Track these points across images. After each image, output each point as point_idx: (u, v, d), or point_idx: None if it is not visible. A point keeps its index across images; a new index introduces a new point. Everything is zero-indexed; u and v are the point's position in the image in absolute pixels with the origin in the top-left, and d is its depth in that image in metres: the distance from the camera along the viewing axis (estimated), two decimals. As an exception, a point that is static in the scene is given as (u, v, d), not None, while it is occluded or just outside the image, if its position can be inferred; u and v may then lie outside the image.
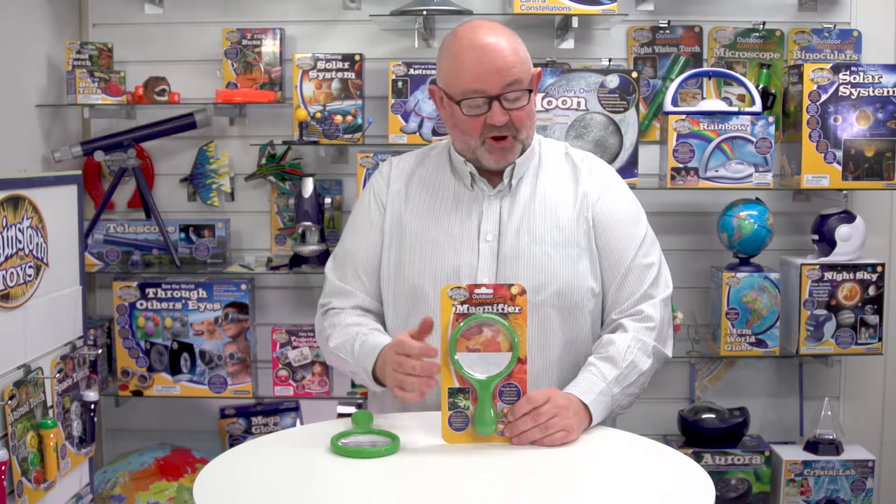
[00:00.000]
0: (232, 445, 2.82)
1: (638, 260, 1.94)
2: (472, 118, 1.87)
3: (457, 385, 1.68)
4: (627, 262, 1.93)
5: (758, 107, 2.79)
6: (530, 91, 1.88)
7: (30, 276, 2.01)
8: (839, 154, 2.76)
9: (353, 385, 2.95)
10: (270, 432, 2.37)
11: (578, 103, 2.78)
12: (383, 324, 1.99)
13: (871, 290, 2.82)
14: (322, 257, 2.87)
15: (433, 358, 1.68)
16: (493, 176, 1.96)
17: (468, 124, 1.88)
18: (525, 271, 1.88)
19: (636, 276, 1.93)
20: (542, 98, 2.77)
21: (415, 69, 2.85)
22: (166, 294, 2.88)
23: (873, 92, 2.75)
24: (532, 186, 1.96)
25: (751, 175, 2.77)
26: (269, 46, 2.96)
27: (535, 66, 2.78)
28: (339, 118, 2.87)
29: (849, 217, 2.84)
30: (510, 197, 1.95)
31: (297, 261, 2.92)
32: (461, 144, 1.94)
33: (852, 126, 2.76)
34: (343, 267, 2.01)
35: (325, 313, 2.01)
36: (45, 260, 2.07)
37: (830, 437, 2.88)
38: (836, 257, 2.83)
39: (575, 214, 1.94)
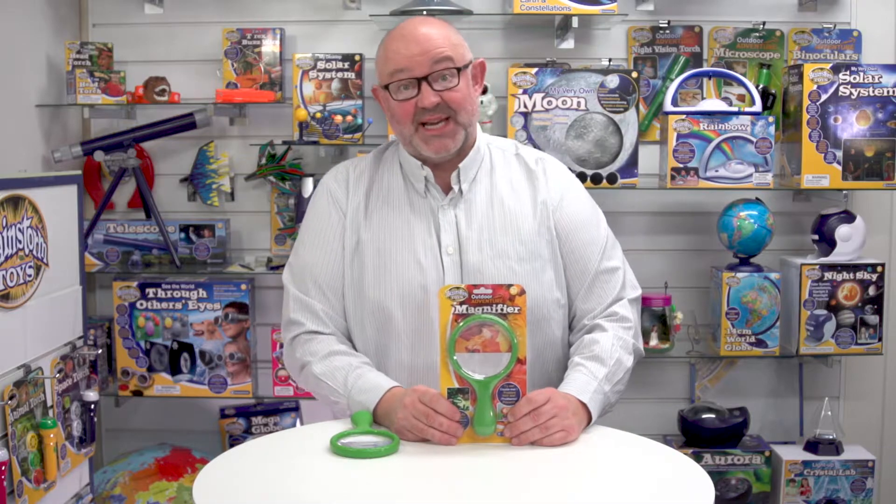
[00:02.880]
0: (232, 445, 2.82)
1: (603, 264, 1.94)
2: (403, 103, 1.84)
3: (456, 385, 1.68)
4: (593, 270, 1.93)
5: (758, 107, 2.79)
6: (459, 70, 1.84)
7: (30, 276, 2.01)
8: (839, 154, 2.76)
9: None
10: (270, 432, 2.37)
11: (578, 103, 2.78)
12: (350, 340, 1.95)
13: (871, 290, 2.82)
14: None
15: (458, 421, 1.67)
16: (444, 180, 1.92)
17: (400, 111, 1.86)
18: None
19: (603, 282, 1.93)
20: (542, 98, 2.77)
21: (415, 69, 2.85)
22: (166, 294, 2.88)
23: (873, 92, 2.75)
24: (488, 193, 1.93)
25: (751, 175, 2.77)
26: (269, 46, 2.96)
27: (535, 66, 2.78)
28: (339, 118, 2.87)
29: (849, 217, 2.84)
30: (465, 204, 1.92)
31: (297, 261, 2.92)
32: (400, 138, 1.91)
33: (852, 126, 2.76)
34: (302, 280, 1.95)
35: (296, 338, 1.93)
36: (45, 260, 2.07)
37: (830, 437, 2.88)
38: (836, 257, 2.83)
39: (536, 225, 1.92)
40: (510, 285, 1.68)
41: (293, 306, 1.94)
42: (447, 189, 1.93)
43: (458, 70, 1.85)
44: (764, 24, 2.97)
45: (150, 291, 2.88)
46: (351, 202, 1.96)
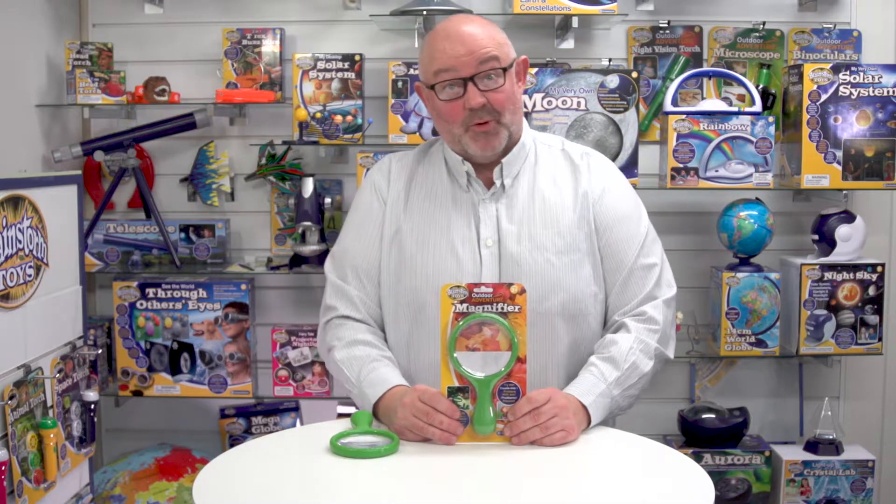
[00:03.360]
0: (232, 445, 2.82)
1: (640, 261, 1.92)
2: (450, 103, 1.85)
3: (456, 384, 1.68)
4: (629, 264, 1.91)
5: (758, 107, 2.79)
6: (505, 70, 1.85)
7: (30, 276, 2.01)
8: (839, 154, 2.76)
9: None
10: (270, 432, 2.37)
11: (578, 103, 2.78)
12: (383, 330, 1.97)
13: (871, 290, 2.82)
14: (322, 257, 2.87)
15: (458, 419, 1.68)
16: (487, 176, 1.94)
17: (446, 111, 1.86)
18: (528, 280, 1.84)
19: (638, 277, 1.91)
20: (542, 98, 2.77)
21: (415, 69, 2.85)
22: (166, 294, 2.88)
23: (873, 92, 2.75)
24: (529, 187, 1.94)
25: (751, 175, 2.77)
26: (269, 46, 2.96)
27: (535, 66, 2.78)
28: (339, 118, 2.87)
29: (849, 217, 2.84)
30: (506, 199, 1.92)
31: (297, 261, 2.92)
32: (448, 136, 1.92)
33: (852, 126, 2.76)
34: (342, 267, 1.98)
35: (329, 322, 1.97)
36: (45, 260, 2.07)
37: (830, 437, 2.88)
38: (836, 257, 2.83)
39: (576, 218, 1.91)
40: (510, 284, 1.68)
41: (330, 291, 1.98)
42: (490, 184, 1.93)
43: (504, 70, 1.85)
44: (764, 24, 2.98)
45: (150, 291, 2.88)
46: (392, 191, 1.98)
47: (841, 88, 2.74)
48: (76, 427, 2.20)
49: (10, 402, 1.90)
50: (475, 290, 1.67)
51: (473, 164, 1.93)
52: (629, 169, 2.77)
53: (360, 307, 1.95)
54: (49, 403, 2.07)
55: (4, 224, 1.91)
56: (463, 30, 1.84)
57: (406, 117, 2.86)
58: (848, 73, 2.74)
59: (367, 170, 2.81)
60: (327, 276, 2.01)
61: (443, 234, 1.91)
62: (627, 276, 1.92)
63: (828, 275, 2.81)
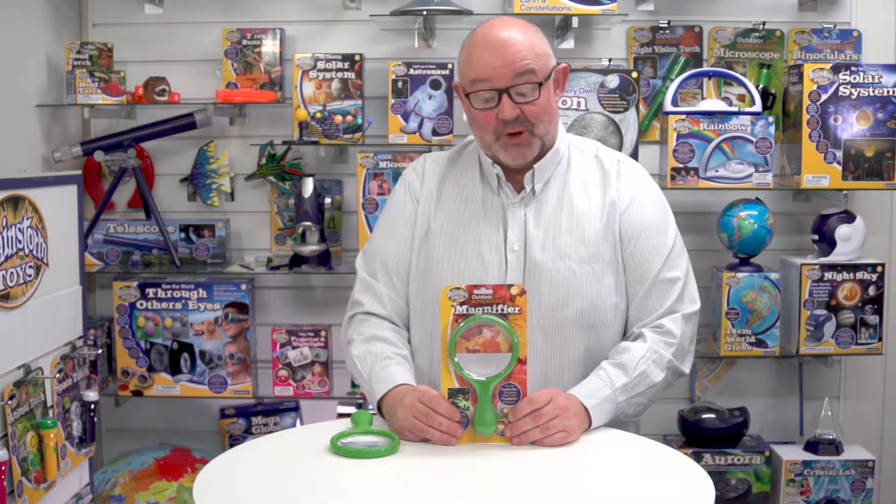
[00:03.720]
0: (232, 445, 2.82)
1: (663, 274, 1.89)
2: (483, 112, 1.84)
3: (456, 385, 1.68)
4: (651, 277, 1.89)
5: (758, 107, 2.79)
6: (541, 84, 1.82)
7: (30, 276, 2.01)
8: (839, 154, 2.76)
9: (353, 385, 2.95)
10: (270, 432, 2.37)
11: (578, 103, 2.78)
12: (408, 329, 1.97)
13: (871, 290, 2.82)
14: (322, 257, 2.88)
15: (458, 421, 1.68)
16: (518, 180, 1.92)
17: (480, 118, 1.85)
18: (549, 287, 1.84)
19: (660, 291, 1.89)
20: (542, 98, 2.76)
21: (415, 69, 2.85)
22: (166, 294, 2.88)
23: (873, 92, 2.75)
24: (559, 192, 1.92)
25: (751, 175, 2.77)
26: (269, 46, 2.96)
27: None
28: (339, 118, 2.87)
29: (849, 217, 2.84)
30: (535, 203, 1.91)
31: (297, 261, 2.92)
32: (480, 142, 1.92)
33: (852, 126, 2.76)
34: (372, 263, 1.98)
35: (354, 317, 1.97)
36: (45, 260, 2.07)
37: (830, 437, 2.88)
38: (836, 257, 2.83)
39: (602, 226, 1.89)
40: (510, 285, 1.68)
41: (359, 287, 1.98)
42: (520, 188, 1.92)
43: (540, 84, 1.82)
44: (764, 24, 2.98)
45: (150, 291, 2.88)
46: (424, 190, 1.98)
47: (841, 88, 2.74)
48: (76, 427, 2.20)
49: (10, 402, 1.90)
50: (475, 291, 1.67)
51: (505, 168, 1.92)
52: (629, 169, 2.77)
53: (387, 304, 1.95)
54: (49, 403, 2.07)
55: (4, 224, 1.91)
56: (502, 37, 1.81)
57: (406, 117, 2.86)
58: (848, 73, 2.74)
59: (368, 170, 2.82)
60: (358, 271, 2.01)
61: (471, 236, 1.91)
62: (649, 289, 1.89)
63: (828, 275, 2.81)
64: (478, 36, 1.85)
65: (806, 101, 2.75)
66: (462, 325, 1.67)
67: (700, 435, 2.85)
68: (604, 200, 1.91)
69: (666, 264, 1.90)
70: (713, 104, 2.81)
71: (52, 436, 2.03)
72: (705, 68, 2.96)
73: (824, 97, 2.74)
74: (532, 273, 1.86)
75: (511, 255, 1.88)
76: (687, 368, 1.93)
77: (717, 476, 2.82)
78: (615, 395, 1.79)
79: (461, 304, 1.67)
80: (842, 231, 2.82)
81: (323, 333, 2.92)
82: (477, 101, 1.84)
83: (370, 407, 2.15)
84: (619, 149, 2.77)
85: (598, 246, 1.88)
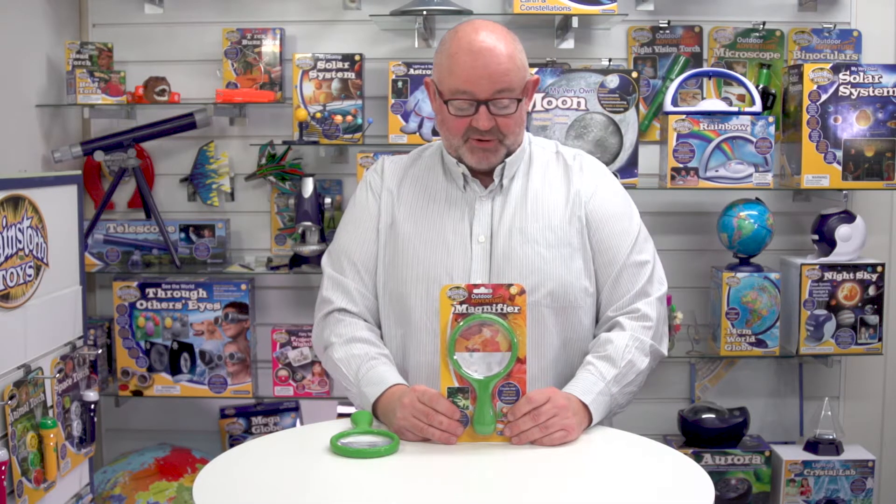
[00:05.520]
0: (232, 445, 2.82)
1: (632, 257, 1.93)
2: (458, 118, 1.86)
3: (456, 385, 1.68)
4: (621, 260, 1.93)
5: (758, 107, 2.79)
6: (519, 100, 1.86)
7: (30, 276, 2.01)
8: (839, 154, 2.76)
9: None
10: (270, 432, 2.37)
11: (578, 103, 2.78)
12: (379, 326, 1.98)
13: (871, 290, 2.82)
14: (322, 257, 2.87)
15: (458, 420, 1.68)
16: (485, 177, 1.95)
17: (453, 123, 1.87)
18: (518, 272, 1.87)
19: (630, 273, 1.93)
20: (542, 98, 2.77)
21: (415, 69, 2.85)
22: (166, 294, 2.88)
23: (873, 92, 2.75)
24: (523, 186, 1.95)
25: (751, 175, 2.77)
26: (269, 46, 2.96)
27: (535, 65, 2.78)
28: (339, 118, 2.87)
29: (849, 217, 2.84)
30: (501, 196, 1.94)
31: (297, 261, 2.92)
32: (445, 142, 1.94)
33: (852, 126, 2.76)
34: (339, 260, 1.99)
35: (328, 316, 1.97)
36: (45, 260, 2.07)
37: (830, 437, 2.88)
38: (836, 257, 2.83)
39: (568, 214, 1.93)
40: (510, 285, 1.68)
41: (327, 284, 1.99)
42: (487, 182, 1.95)
43: (519, 100, 1.86)
44: (764, 24, 2.98)
45: (150, 291, 2.88)
46: (385, 186, 2.00)
47: (841, 88, 2.74)
48: (76, 427, 2.20)
49: (10, 402, 1.90)
50: (474, 290, 1.67)
51: (470, 168, 1.94)
52: (629, 169, 2.77)
53: (358, 299, 1.96)
54: (49, 403, 2.07)
55: (4, 224, 1.91)
56: (486, 46, 1.82)
57: (406, 117, 2.86)
58: (848, 73, 2.74)
59: (368, 170, 2.82)
60: (324, 270, 2.02)
61: (434, 226, 1.93)
62: (620, 272, 1.93)
63: (828, 275, 2.81)
64: (461, 41, 1.85)
65: (806, 101, 2.75)
66: (462, 324, 1.67)
67: (700, 435, 2.85)
68: (568, 190, 1.95)
69: (634, 248, 1.94)
70: (713, 104, 2.81)
71: (52, 436, 2.03)
72: (705, 68, 2.96)
73: (824, 97, 2.74)
74: (499, 263, 1.89)
75: (476, 246, 1.90)
76: (665, 350, 1.96)
77: (717, 476, 2.82)
78: (609, 388, 1.80)
79: (461, 303, 1.67)
80: (842, 231, 2.82)
81: (323, 333, 2.92)
82: (453, 107, 1.85)
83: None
84: (620, 149, 2.78)
85: (564, 231, 1.92)
